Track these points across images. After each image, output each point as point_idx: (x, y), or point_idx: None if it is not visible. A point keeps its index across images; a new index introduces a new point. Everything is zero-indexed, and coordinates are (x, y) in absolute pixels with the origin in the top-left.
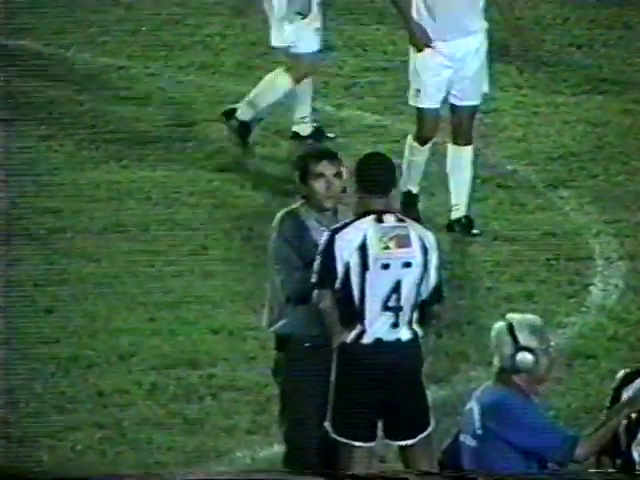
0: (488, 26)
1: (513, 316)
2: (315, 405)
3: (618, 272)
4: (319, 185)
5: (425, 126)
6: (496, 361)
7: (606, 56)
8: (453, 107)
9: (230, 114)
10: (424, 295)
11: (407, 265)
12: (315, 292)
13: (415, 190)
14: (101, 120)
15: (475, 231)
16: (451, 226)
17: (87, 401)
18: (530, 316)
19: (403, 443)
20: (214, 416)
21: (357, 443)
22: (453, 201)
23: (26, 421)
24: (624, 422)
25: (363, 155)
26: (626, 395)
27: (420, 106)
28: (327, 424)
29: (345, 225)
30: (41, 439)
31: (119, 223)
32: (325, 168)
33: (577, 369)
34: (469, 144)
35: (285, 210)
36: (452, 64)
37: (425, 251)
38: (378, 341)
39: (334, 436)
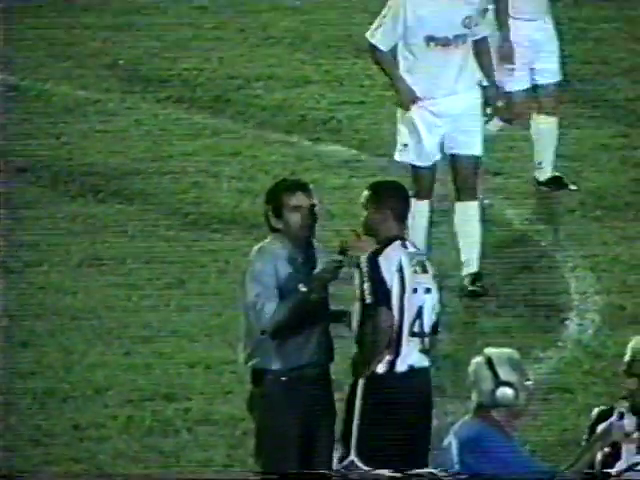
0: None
1: (491, 350)
2: (292, 439)
3: (594, 307)
4: (295, 217)
5: (418, 182)
6: (474, 396)
7: (582, 91)
8: (452, 159)
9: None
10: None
11: (428, 291)
12: (376, 311)
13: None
14: (78, 153)
15: (483, 289)
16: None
17: (63, 435)
18: (508, 350)
19: (422, 471)
20: (190, 450)
21: (389, 472)
22: (463, 258)
23: (1, 455)
24: (599, 457)
25: (378, 182)
26: (599, 430)
27: (407, 161)
28: (354, 457)
29: (382, 248)
30: (16, 474)
31: (95, 257)
32: (300, 200)
33: (553, 403)
34: (475, 199)
35: (260, 245)
36: (444, 121)
37: (434, 279)
38: (411, 368)
39: (365, 468)
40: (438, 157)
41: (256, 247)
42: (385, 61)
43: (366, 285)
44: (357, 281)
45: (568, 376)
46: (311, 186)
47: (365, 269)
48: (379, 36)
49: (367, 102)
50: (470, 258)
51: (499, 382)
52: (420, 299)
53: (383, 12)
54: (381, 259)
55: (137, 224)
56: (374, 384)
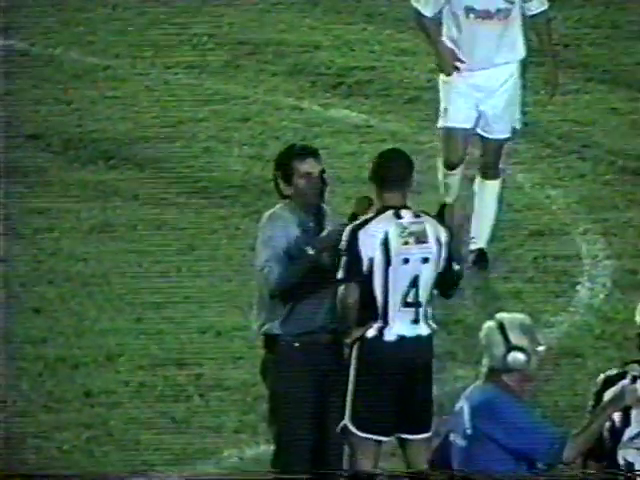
0: (523, 57)
1: (503, 315)
2: (306, 404)
3: (605, 271)
4: (306, 184)
5: (451, 147)
6: (486, 361)
7: (593, 55)
8: (481, 138)
9: None
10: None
11: (425, 260)
12: (342, 287)
13: (451, 201)
14: (88, 120)
15: (484, 266)
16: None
17: (74, 401)
18: (520, 315)
19: (419, 437)
20: (201, 416)
21: (381, 438)
22: (472, 233)
23: (13, 421)
24: (608, 424)
25: (380, 152)
26: (608, 396)
27: (447, 125)
28: (347, 422)
29: (366, 221)
30: (28, 439)
31: (106, 223)
32: (311, 166)
33: (564, 368)
34: (496, 178)
35: (270, 211)
36: (477, 94)
37: (439, 246)
38: (401, 337)
39: (357, 432)
40: (471, 125)
41: (267, 213)
42: (428, 26)
43: (342, 259)
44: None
45: (579, 340)
46: (323, 153)
47: (343, 242)
48: (423, 1)
49: (378, 67)
50: (479, 235)
51: (511, 347)
52: (414, 269)
53: None
54: (361, 232)
55: (148, 190)
56: (365, 350)
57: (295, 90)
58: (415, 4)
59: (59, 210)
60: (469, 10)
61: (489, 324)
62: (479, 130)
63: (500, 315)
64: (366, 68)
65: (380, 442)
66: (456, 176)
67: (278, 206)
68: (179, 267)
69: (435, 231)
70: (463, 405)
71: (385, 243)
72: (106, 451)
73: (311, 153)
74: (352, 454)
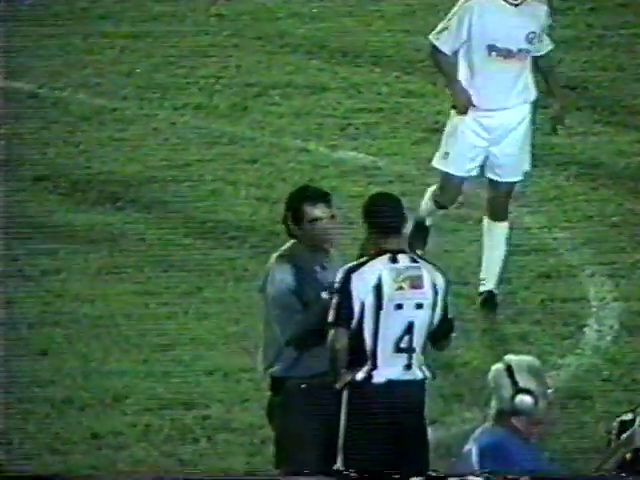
0: (535, 98)
1: (511, 357)
2: (313, 446)
3: (613, 313)
4: (315, 229)
5: (446, 191)
6: (494, 403)
7: (600, 97)
8: (490, 181)
9: None
10: (430, 335)
11: (419, 307)
12: (332, 331)
13: (428, 222)
14: (96, 161)
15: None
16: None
17: (81, 443)
18: (528, 357)
19: None
20: (208, 457)
21: None
22: (482, 275)
23: (20, 462)
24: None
25: (372, 195)
26: (623, 436)
27: (444, 170)
28: (339, 464)
29: (360, 265)
30: None
31: (113, 264)
32: (322, 212)
33: (572, 410)
34: (505, 220)
35: (278, 253)
36: (489, 137)
37: (435, 292)
38: (390, 381)
39: (348, 474)
40: (475, 172)
41: (275, 255)
42: (446, 64)
43: (333, 301)
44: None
45: (587, 383)
46: (331, 195)
47: (337, 284)
48: (443, 39)
49: (384, 109)
50: (489, 277)
51: (518, 389)
52: (408, 315)
53: (449, 15)
54: (354, 275)
55: (155, 232)
56: (354, 394)
57: (302, 132)
58: (434, 41)
59: (66, 252)
60: (491, 49)
61: (497, 366)
62: (489, 174)
63: (508, 357)
64: (373, 110)
65: None
66: (436, 216)
67: (286, 247)
68: (186, 309)
69: (431, 277)
70: (471, 447)
71: (378, 287)
72: None
73: (322, 198)
74: None
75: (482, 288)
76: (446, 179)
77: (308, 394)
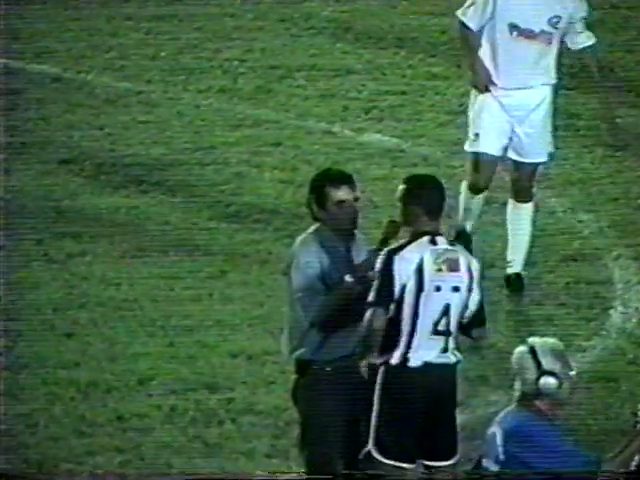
0: (555, 82)
1: (535, 340)
2: (338, 429)
3: (638, 295)
4: (339, 211)
5: (480, 173)
6: (518, 385)
7: (626, 79)
8: (514, 162)
9: None
10: (465, 320)
11: (456, 289)
12: (370, 310)
13: (469, 228)
14: (120, 144)
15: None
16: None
17: (106, 425)
18: (552, 340)
19: (444, 464)
20: (233, 440)
21: (404, 465)
22: (508, 257)
23: (45, 445)
24: None
25: (414, 177)
26: None
27: (477, 151)
28: (371, 448)
29: (402, 246)
30: (60, 463)
31: (138, 247)
32: (345, 194)
33: (597, 392)
34: (529, 201)
35: (302, 236)
36: (509, 117)
37: (470, 276)
38: (426, 364)
39: (380, 459)
40: (503, 145)
41: (299, 238)
42: (471, 40)
43: (375, 282)
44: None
45: (612, 365)
46: (355, 177)
47: (378, 265)
48: (470, 15)
49: (409, 92)
50: (515, 259)
51: (542, 372)
52: (445, 297)
53: None
54: (397, 257)
55: (179, 215)
56: (389, 376)
57: (327, 114)
58: (461, 17)
59: (91, 235)
60: (513, 27)
61: (521, 349)
62: (512, 155)
63: (532, 339)
64: (398, 92)
65: (404, 469)
66: (478, 203)
67: (310, 230)
68: (210, 292)
69: (467, 261)
70: (495, 430)
71: (419, 269)
72: (138, 476)
73: (346, 180)
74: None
75: (509, 270)
76: (479, 161)
77: (333, 377)
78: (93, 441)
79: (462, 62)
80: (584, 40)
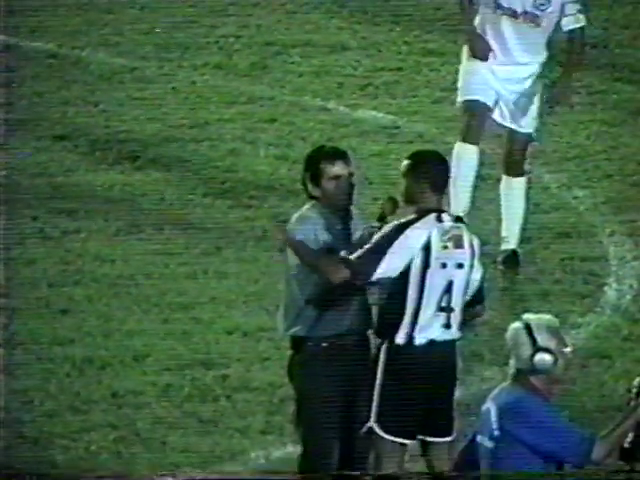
0: (544, 60)
1: (530, 316)
2: (333, 405)
3: (632, 272)
4: (334, 187)
5: (469, 120)
6: (513, 362)
7: (621, 55)
8: (507, 132)
9: None
10: (466, 297)
11: (460, 266)
12: (375, 286)
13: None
14: (115, 121)
15: (515, 267)
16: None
17: (101, 402)
18: (547, 316)
19: (443, 440)
20: (228, 417)
21: (406, 441)
22: (503, 233)
23: (41, 421)
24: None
25: (420, 152)
26: None
27: (468, 98)
28: (373, 424)
29: (411, 222)
30: (55, 439)
31: (133, 224)
32: (340, 169)
33: (592, 369)
34: (521, 175)
35: (298, 214)
36: (501, 84)
37: (473, 254)
38: (431, 342)
39: (383, 435)
40: (492, 97)
41: (295, 215)
42: (468, 9)
43: (366, 245)
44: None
45: (606, 342)
46: (349, 153)
47: (384, 239)
48: None
49: (404, 68)
50: (510, 235)
51: (537, 348)
52: (450, 274)
53: None
54: (405, 233)
55: (174, 191)
56: (394, 354)
57: (322, 91)
58: None
59: (86, 211)
60: (497, 6)
61: (516, 325)
62: (505, 121)
63: (527, 316)
64: (393, 69)
65: (405, 445)
66: (472, 156)
67: (305, 207)
68: (206, 268)
69: (470, 238)
70: (490, 406)
71: (427, 246)
72: (133, 452)
73: (341, 156)
74: (377, 456)
75: (504, 246)
76: (469, 109)
77: (329, 353)
78: (88, 417)
79: (458, 39)
80: (572, 22)
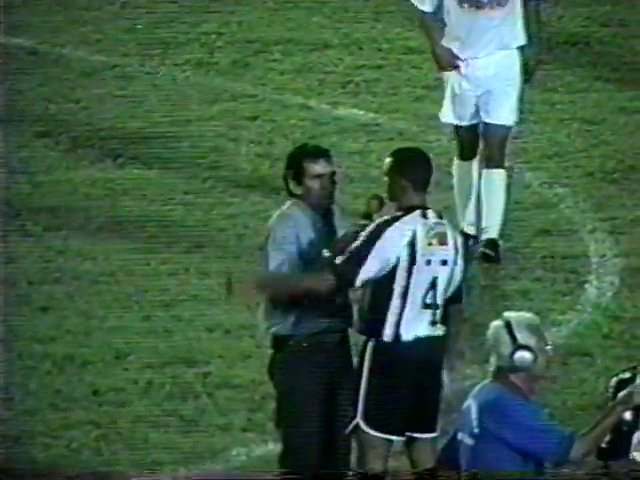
0: (522, 44)
1: (510, 314)
2: (314, 403)
3: (613, 269)
4: (316, 185)
5: (461, 141)
6: (493, 359)
7: (601, 53)
8: (485, 126)
9: None
10: (449, 293)
11: (444, 263)
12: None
13: (472, 231)
14: (96, 118)
15: (495, 256)
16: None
17: (82, 399)
18: (527, 314)
19: (428, 436)
20: (209, 414)
21: (393, 437)
22: (483, 224)
23: (22, 419)
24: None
25: (402, 150)
26: (620, 395)
27: (446, 122)
28: (359, 421)
29: (395, 219)
30: (37, 437)
31: (114, 221)
32: (322, 168)
33: (572, 367)
34: (500, 167)
35: (280, 211)
36: (477, 84)
37: (456, 251)
38: (417, 338)
39: (369, 431)
40: (476, 120)
41: (276, 213)
42: (427, 23)
43: (351, 247)
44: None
45: (587, 339)
46: (331, 151)
47: (366, 231)
48: None
49: (385, 66)
50: (490, 225)
51: (517, 346)
52: (434, 270)
53: None
54: (390, 230)
55: (155, 188)
56: (381, 350)
57: (303, 88)
58: (414, 2)
59: (67, 208)
60: (461, 0)
61: (496, 323)
62: (482, 116)
63: (508, 314)
64: (374, 66)
65: (391, 441)
66: (468, 172)
67: (287, 205)
68: (187, 266)
69: (453, 234)
70: (471, 404)
71: (412, 243)
72: (114, 449)
73: (323, 154)
74: (362, 453)
75: (484, 236)
76: (456, 130)
77: (310, 352)
78: (69, 415)
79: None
80: None
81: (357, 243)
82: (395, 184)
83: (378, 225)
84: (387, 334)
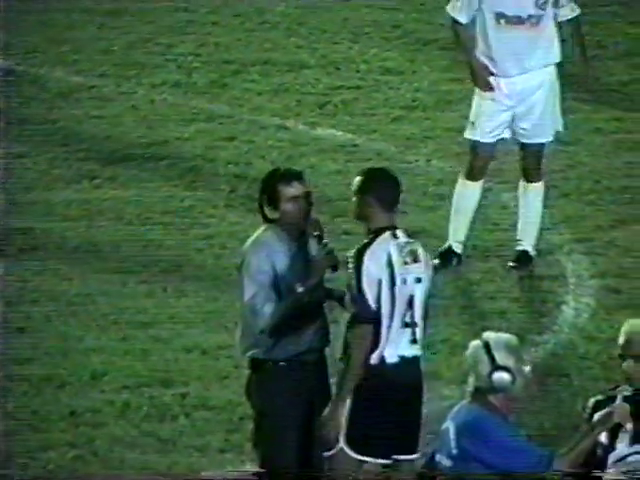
0: (559, 60)
1: (489, 335)
2: (292, 424)
3: (590, 291)
4: (292, 208)
5: (475, 161)
6: (471, 380)
7: (577, 75)
8: (520, 145)
9: None
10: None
11: (418, 280)
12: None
13: (460, 250)
14: (73, 139)
15: (525, 269)
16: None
17: (59, 420)
18: (506, 335)
19: (410, 457)
20: (187, 435)
21: (378, 460)
22: (518, 236)
23: None
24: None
25: (370, 170)
26: (597, 416)
27: (472, 138)
28: (343, 445)
29: (369, 243)
30: (13, 458)
31: (91, 242)
32: (297, 190)
33: (550, 387)
34: (538, 181)
35: (253, 238)
36: (512, 103)
37: (427, 267)
38: (401, 358)
39: (354, 456)
40: (504, 135)
41: (250, 239)
42: (463, 34)
43: (353, 282)
44: (347, 277)
45: (564, 360)
46: (305, 173)
47: (351, 265)
48: (458, 7)
49: (363, 86)
50: (525, 238)
51: (496, 367)
52: (410, 289)
53: None
54: (367, 254)
55: (132, 209)
56: (367, 374)
57: (281, 109)
58: (451, 12)
59: (44, 229)
60: (500, 16)
61: (475, 343)
62: (518, 137)
63: (486, 334)
64: (352, 87)
65: (375, 465)
66: (475, 193)
67: (261, 230)
68: (164, 286)
69: (424, 252)
70: (449, 425)
71: (389, 263)
72: (91, 471)
73: (296, 176)
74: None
75: (518, 247)
76: (475, 147)
77: (287, 372)
78: (46, 436)
79: (416, 57)
80: (567, 13)
81: (351, 283)
82: (363, 203)
83: (356, 253)
84: (374, 357)
